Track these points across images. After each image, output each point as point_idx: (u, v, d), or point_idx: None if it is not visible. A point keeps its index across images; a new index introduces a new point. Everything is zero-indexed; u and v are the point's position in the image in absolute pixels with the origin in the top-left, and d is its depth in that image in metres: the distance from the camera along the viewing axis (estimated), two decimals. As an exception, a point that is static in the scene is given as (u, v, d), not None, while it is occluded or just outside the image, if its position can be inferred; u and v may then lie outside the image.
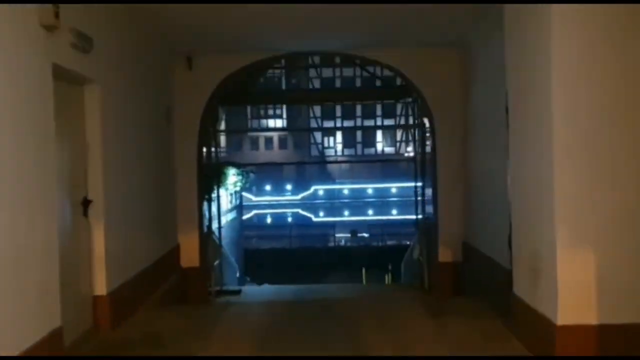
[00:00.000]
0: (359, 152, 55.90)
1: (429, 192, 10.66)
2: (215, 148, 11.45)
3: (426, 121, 10.25)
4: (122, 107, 6.79)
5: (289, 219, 45.27)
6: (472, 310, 7.04)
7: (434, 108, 9.54)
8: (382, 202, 48.07)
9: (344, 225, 37.91)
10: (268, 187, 51.48)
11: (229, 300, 10.57)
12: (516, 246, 5.96)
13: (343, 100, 15.41)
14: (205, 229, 10.61)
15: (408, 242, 31.37)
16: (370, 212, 46.56)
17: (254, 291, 11.51)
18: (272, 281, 21.44)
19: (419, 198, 11.31)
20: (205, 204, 10.82)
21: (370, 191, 51.39)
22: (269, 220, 45.14)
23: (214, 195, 11.81)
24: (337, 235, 33.13)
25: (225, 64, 9.49)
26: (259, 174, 47.99)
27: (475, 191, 8.95)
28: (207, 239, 10.54)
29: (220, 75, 9.54)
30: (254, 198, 47.60)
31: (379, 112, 52.21)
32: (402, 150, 51.22)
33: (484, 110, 8.19)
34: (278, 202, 48.79)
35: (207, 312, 7.20)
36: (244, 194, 45.00)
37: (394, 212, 45.00)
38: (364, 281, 19.90)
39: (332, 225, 36.96)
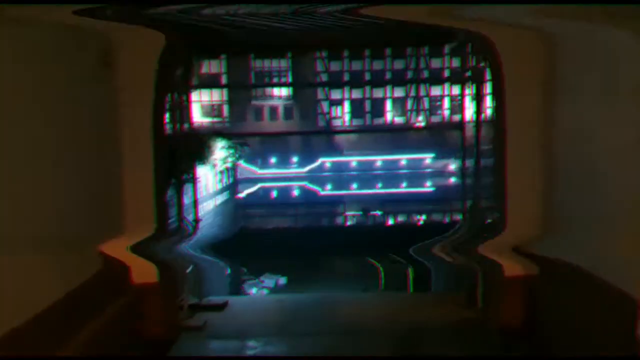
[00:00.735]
0: (368, 122, 53.37)
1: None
2: (187, 112, 8.38)
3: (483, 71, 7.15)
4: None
5: (295, 193, 42.39)
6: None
7: (502, 48, 6.41)
8: (393, 175, 45.05)
9: (354, 201, 34.84)
10: (274, 160, 48.57)
11: (206, 323, 7.67)
12: None
13: (357, 45, 12.06)
14: (173, 225, 7.68)
15: (417, 217, 28.38)
16: (381, 185, 43.55)
17: (242, 306, 8.56)
18: (273, 269, 18.61)
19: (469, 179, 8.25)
20: (174, 190, 7.86)
21: (380, 163, 48.30)
22: (273, 194, 42.24)
23: (189, 176, 8.85)
24: (347, 213, 30.07)
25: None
26: (264, 145, 45.12)
27: (569, 175, 5.91)
28: (177, 239, 7.61)
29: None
30: (258, 171, 44.91)
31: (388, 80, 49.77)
32: (412, 120, 49.81)
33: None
34: (283, 176, 45.87)
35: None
36: (247, 166, 42.29)
37: (405, 185, 42.16)
38: (381, 280, 16.99)
39: (341, 200, 34.00)
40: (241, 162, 37.28)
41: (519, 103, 6.37)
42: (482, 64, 7.29)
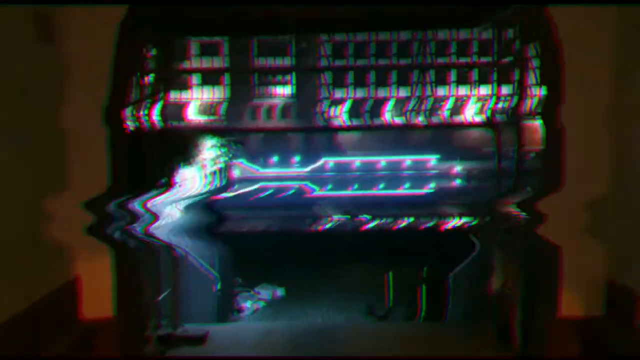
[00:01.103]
0: (367, 122, 52.61)
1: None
2: (162, 102, 6.94)
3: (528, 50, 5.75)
4: None
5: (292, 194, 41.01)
6: None
7: (559, 20, 4.98)
8: (396, 177, 43.64)
9: (356, 202, 33.35)
10: (276, 159, 47.34)
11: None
12: None
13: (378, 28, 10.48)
14: (142, 241, 6.25)
15: (425, 220, 26.80)
16: (382, 187, 42.18)
17: (225, 338, 7.09)
18: (269, 278, 17.20)
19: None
20: (148, 198, 6.44)
21: (384, 163, 46.99)
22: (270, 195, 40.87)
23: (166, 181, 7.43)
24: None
25: None
26: (264, 144, 44.13)
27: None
28: (143, 260, 6.18)
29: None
30: (259, 171, 43.87)
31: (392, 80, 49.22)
32: (412, 121, 49.83)
33: None
34: (285, 176, 44.53)
35: None
36: (248, 166, 41.00)
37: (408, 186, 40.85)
38: (389, 298, 15.52)
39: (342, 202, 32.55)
40: (241, 162, 35.99)
41: (581, 94, 4.96)
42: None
